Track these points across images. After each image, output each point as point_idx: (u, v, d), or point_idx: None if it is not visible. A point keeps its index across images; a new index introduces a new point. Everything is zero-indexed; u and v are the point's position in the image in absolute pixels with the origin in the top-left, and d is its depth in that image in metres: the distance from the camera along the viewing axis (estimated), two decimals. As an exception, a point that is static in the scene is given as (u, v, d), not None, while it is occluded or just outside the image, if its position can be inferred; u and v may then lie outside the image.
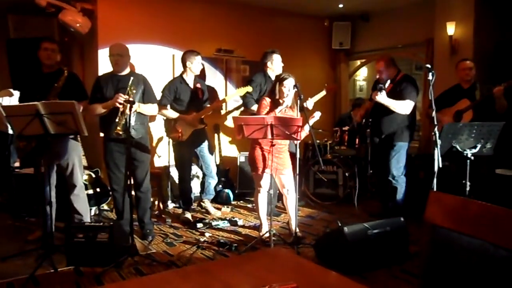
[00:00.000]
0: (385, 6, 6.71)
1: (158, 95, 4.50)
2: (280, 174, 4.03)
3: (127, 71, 4.01)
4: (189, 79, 4.81)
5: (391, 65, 4.62)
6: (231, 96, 4.95)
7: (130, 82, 3.79)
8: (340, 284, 1.48)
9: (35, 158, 3.94)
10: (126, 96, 3.72)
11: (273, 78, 4.94)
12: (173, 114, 4.72)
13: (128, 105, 3.61)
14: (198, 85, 4.89)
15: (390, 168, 4.55)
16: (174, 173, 5.33)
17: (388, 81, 4.50)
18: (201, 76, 5.25)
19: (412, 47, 6.57)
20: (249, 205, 5.59)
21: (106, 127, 4.03)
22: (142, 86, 4.00)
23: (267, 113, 3.93)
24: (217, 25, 6.27)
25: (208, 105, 4.95)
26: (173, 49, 5.93)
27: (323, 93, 5.03)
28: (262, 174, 3.96)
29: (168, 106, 4.73)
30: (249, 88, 4.81)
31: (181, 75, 4.84)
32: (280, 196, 4.68)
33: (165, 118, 4.86)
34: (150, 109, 4.09)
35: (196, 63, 4.75)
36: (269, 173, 3.94)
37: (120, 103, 3.71)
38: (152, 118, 4.94)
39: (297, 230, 4.07)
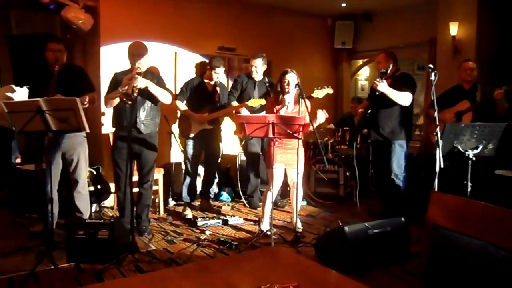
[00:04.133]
0: (388, 5, 6.70)
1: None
2: (291, 168, 4.15)
3: (144, 69, 4.01)
4: (209, 80, 4.95)
5: (391, 58, 4.58)
6: (244, 105, 4.98)
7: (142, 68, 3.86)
8: (340, 283, 1.48)
9: (37, 154, 3.94)
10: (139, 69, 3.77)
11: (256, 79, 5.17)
12: (183, 107, 4.90)
13: (137, 82, 3.66)
14: (217, 88, 4.97)
15: (392, 167, 4.54)
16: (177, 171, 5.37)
17: (390, 67, 4.36)
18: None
19: (415, 47, 6.57)
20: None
21: (118, 123, 4.06)
22: (155, 81, 4.03)
23: (271, 111, 4.05)
24: (220, 23, 6.26)
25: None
26: (175, 47, 5.93)
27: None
28: (273, 168, 4.02)
29: (184, 102, 4.92)
30: (262, 101, 4.86)
31: (201, 75, 5.01)
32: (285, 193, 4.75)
33: (180, 114, 5.07)
34: (160, 91, 4.00)
35: (213, 72, 4.84)
36: (279, 167, 4.08)
37: (129, 81, 3.67)
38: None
39: (300, 226, 4.14)
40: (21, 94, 5.08)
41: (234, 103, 5.10)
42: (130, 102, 3.57)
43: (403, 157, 4.58)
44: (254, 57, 5.09)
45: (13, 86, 5.34)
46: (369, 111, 4.57)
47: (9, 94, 5.25)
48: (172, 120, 5.45)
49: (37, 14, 5.71)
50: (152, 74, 4.15)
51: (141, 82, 3.73)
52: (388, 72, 4.35)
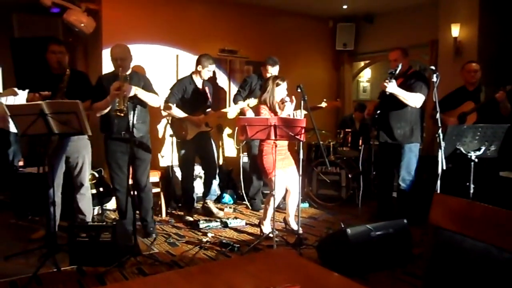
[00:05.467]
0: (389, 7, 6.70)
1: (162, 95, 4.51)
2: (286, 171, 4.16)
3: (129, 71, 4.01)
4: (198, 80, 4.84)
5: (407, 55, 4.46)
6: (240, 106, 4.97)
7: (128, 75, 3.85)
8: (343, 285, 1.47)
9: (42, 158, 3.94)
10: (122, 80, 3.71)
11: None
12: (179, 113, 4.72)
13: (127, 89, 3.65)
14: (206, 89, 4.90)
15: (400, 171, 4.44)
16: (178, 173, 5.35)
17: (399, 68, 4.20)
18: (212, 77, 5.24)
19: (416, 49, 6.55)
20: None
21: (106, 127, 4.04)
22: (142, 83, 4.02)
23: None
24: (221, 25, 6.28)
25: (211, 110, 4.97)
26: (177, 49, 5.95)
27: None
28: (275, 176, 3.95)
29: (175, 105, 4.74)
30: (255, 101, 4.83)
31: (191, 76, 4.86)
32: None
33: (171, 117, 4.89)
34: (150, 96, 3.98)
35: (206, 70, 4.76)
36: (279, 173, 4.01)
37: (117, 88, 3.66)
38: (156, 117, 4.94)
39: (300, 229, 4.11)
40: (23, 97, 5.10)
41: (241, 103, 4.98)
42: (123, 115, 3.62)
43: (414, 161, 4.45)
44: (269, 64, 5.05)
45: (15, 89, 5.35)
46: (378, 111, 4.45)
47: (10, 97, 5.26)
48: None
49: (39, 17, 5.74)
50: (138, 75, 4.10)
51: (130, 91, 3.72)
52: (397, 72, 4.18)
